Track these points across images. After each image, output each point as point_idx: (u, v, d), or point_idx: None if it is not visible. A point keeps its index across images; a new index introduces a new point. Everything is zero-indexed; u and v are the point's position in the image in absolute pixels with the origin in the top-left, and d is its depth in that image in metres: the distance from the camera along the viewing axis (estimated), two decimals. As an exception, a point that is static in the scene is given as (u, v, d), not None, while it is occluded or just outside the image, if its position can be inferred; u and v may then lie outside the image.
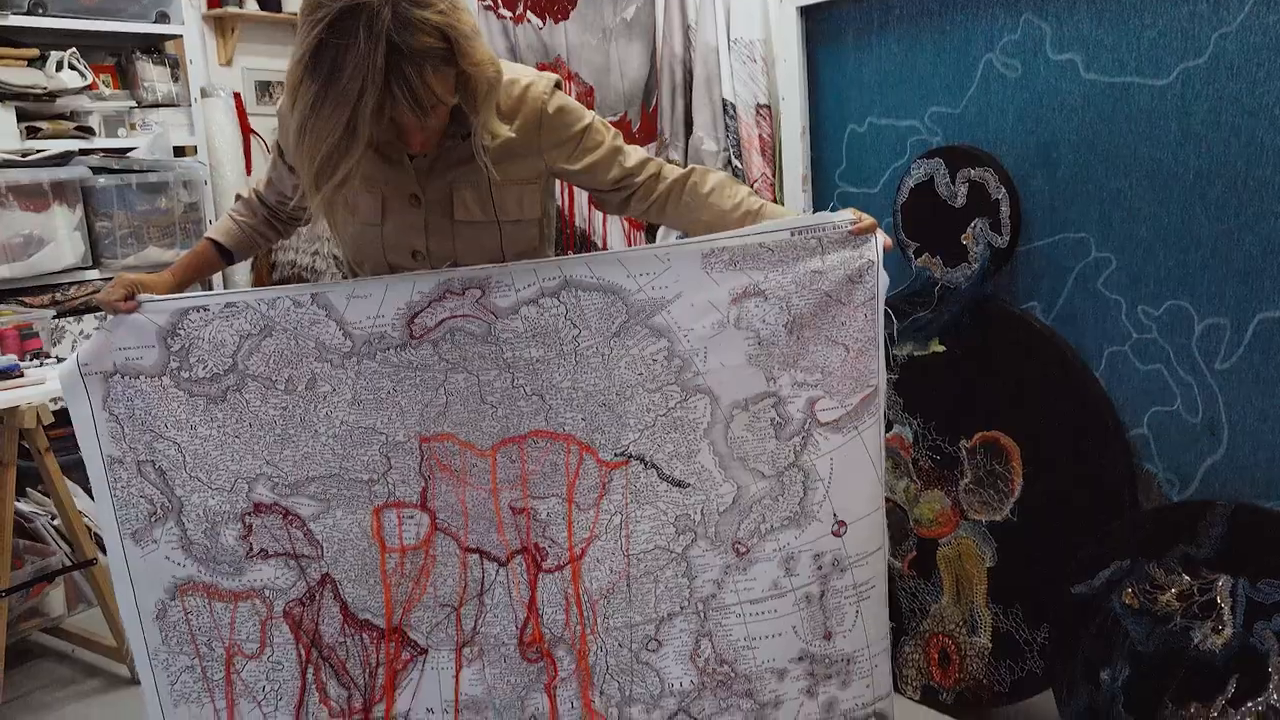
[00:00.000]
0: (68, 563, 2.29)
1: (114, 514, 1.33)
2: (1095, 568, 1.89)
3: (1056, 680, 2.02)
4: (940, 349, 2.08)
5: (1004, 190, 1.88)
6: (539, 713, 1.35)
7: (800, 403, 1.31)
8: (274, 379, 1.30)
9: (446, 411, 1.30)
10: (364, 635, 1.35)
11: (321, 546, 1.33)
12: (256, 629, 1.36)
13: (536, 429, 1.30)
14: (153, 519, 1.34)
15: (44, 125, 2.77)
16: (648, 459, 1.31)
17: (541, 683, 1.35)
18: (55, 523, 2.32)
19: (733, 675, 1.34)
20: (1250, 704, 1.61)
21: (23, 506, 2.48)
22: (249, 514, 1.33)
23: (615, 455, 1.31)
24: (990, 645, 2.06)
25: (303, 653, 1.36)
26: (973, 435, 2.04)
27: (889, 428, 2.03)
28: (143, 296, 1.30)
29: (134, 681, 2.24)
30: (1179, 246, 1.69)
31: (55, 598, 2.50)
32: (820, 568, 1.34)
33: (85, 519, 2.25)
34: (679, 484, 1.32)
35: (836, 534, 1.34)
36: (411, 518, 1.32)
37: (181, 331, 1.30)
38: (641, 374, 1.30)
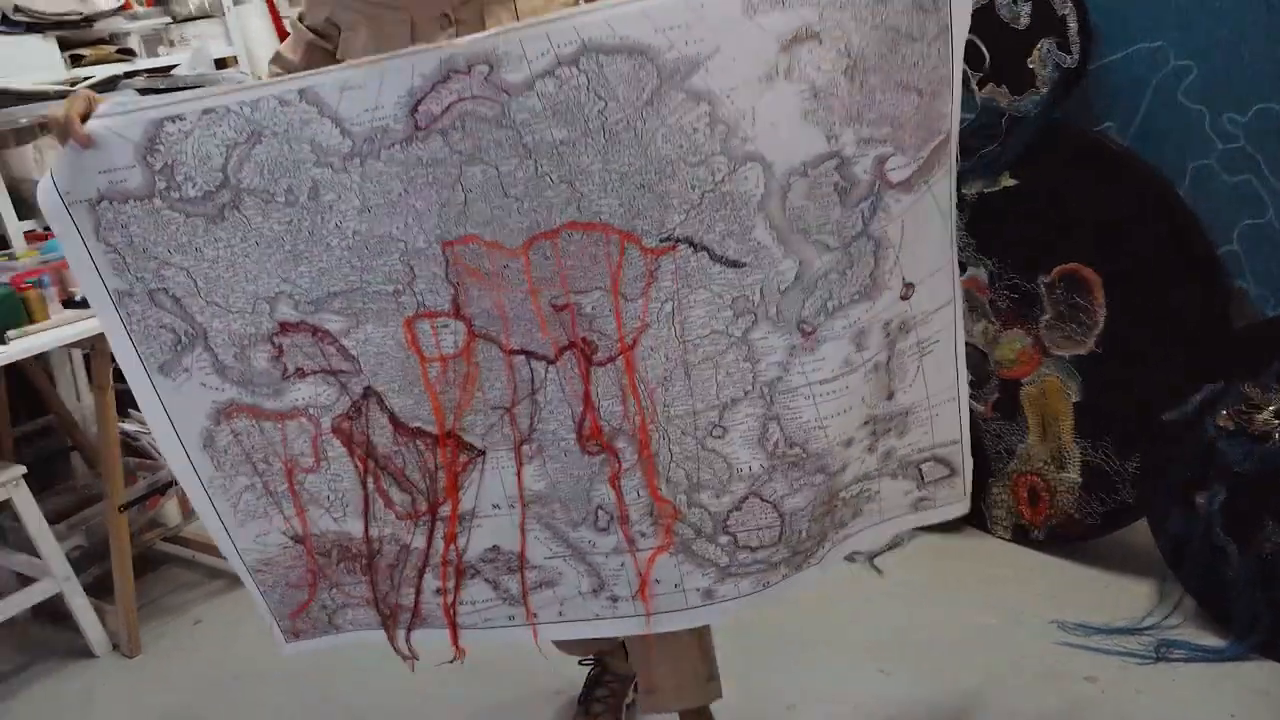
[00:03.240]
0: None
1: (134, 350, 1.27)
2: (1187, 392, 1.87)
3: (1150, 509, 2.03)
4: (1011, 183, 2.03)
5: (1070, 4, 1.78)
6: (605, 504, 1.31)
7: (867, 162, 1.16)
8: (272, 191, 1.18)
9: (467, 210, 1.17)
10: (418, 442, 1.31)
11: (358, 361, 1.25)
12: (309, 445, 1.31)
13: (570, 221, 1.16)
14: (179, 348, 1.27)
15: (86, 52, 2.80)
16: (697, 241, 1.17)
17: (605, 475, 1.29)
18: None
19: (804, 455, 1.28)
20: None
21: (126, 426, 2.62)
22: (276, 335, 1.25)
23: (661, 241, 1.17)
24: (1080, 480, 2.07)
25: (359, 465, 1.33)
26: (1051, 270, 2.00)
27: (963, 270, 2.00)
28: (101, 108, 1.18)
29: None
30: (1268, 43, 1.59)
31: (170, 509, 2.65)
32: (889, 335, 1.26)
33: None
34: (734, 264, 1.19)
35: (904, 297, 1.25)
36: (446, 326, 1.23)
37: (160, 146, 1.17)
38: (682, 146, 1.14)
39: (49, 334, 2.02)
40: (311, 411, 1.30)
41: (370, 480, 1.34)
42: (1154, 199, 1.83)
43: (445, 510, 1.34)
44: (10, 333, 1.97)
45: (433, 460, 1.32)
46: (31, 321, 2.02)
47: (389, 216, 1.18)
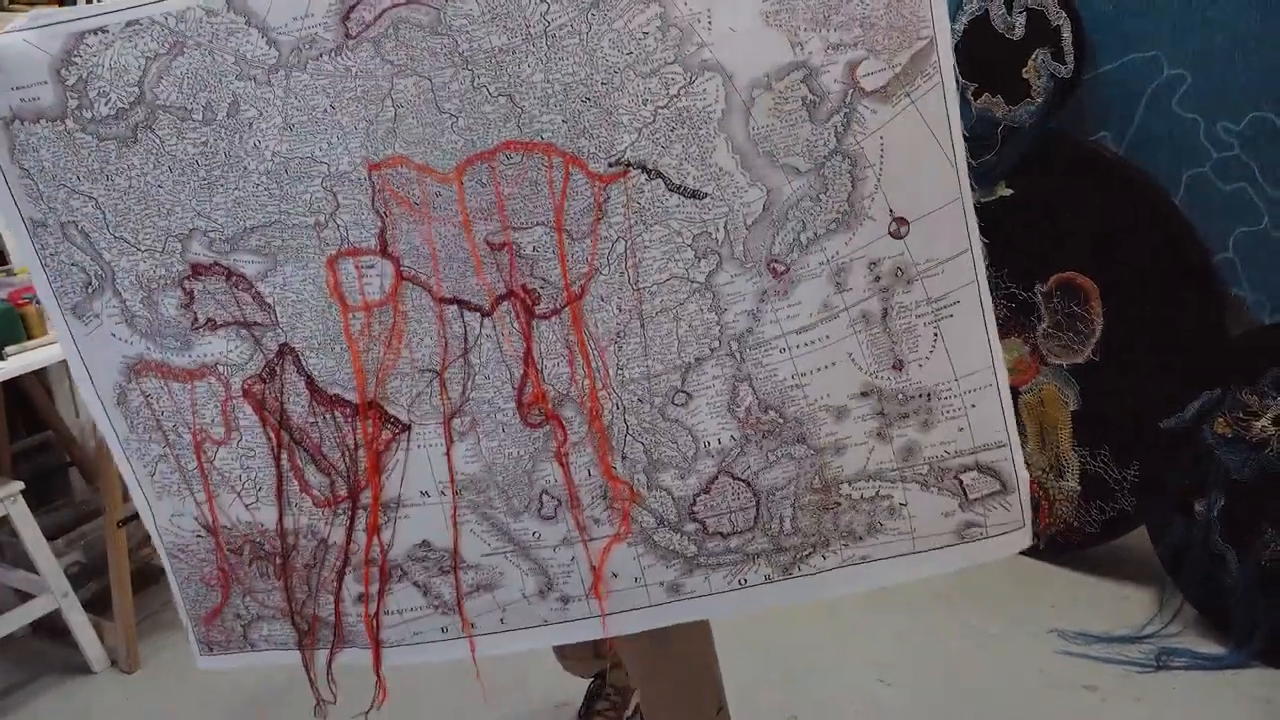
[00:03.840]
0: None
1: (49, 286, 1.18)
2: (1184, 400, 1.88)
3: (1149, 516, 2.03)
4: (1007, 193, 2.04)
5: (1064, 15, 1.80)
6: (551, 485, 1.16)
7: (837, 70, 1.04)
8: (189, 108, 1.09)
9: (396, 128, 1.07)
10: (337, 413, 1.18)
11: (274, 311, 1.14)
12: (218, 412, 1.20)
13: (508, 140, 1.06)
14: (89, 290, 1.17)
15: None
16: (650, 166, 1.06)
17: (550, 450, 1.14)
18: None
19: (780, 421, 1.11)
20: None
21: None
22: (187, 278, 1.15)
23: (610, 165, 1.06)
24: (1079, 488, 2.07)
25: (272, 436, 1.20)
26: (1048, 279, 2.01)
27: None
28: (18, 21, 1.11)
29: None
30: (1262, 51, 1.60)
31: (168, 524, 2.63)
32: (878, 278, 1.08)
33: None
34: (694, 194, 1.07)
35: (896, 234, 1.09)
36: (372, 267, 1.11)
37: (77, 59, 1.09)
38: (631, 53, 1.03)
39: (47, 350, 2.02)
40: (221, 370, 1.18)
41: (285, 456, 1.20)
42: (1149, 207, 1.85)
43: (367, 497, 1.18)
44: (8, 348, 1.97)
45: (352, 435, 1.17)
46: (30, 337, 2.02)
47: (312, 135, 1.08)
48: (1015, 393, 2.14)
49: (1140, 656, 1.89)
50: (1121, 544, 2.17)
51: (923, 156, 1.07)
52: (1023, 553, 2.35)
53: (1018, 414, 2.16)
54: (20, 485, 2.13)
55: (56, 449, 2.80)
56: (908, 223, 1.09)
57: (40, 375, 2.57)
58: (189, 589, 1.30)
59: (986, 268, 1.16)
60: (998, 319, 2.25)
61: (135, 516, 2.45)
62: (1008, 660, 1.92)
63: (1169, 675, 1.83)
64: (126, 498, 2.35)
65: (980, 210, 2.20)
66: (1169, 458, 1.89)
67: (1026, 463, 2.20)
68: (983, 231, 1.15)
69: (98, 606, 2.33)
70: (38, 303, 2.10)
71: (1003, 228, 2.01)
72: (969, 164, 1.08)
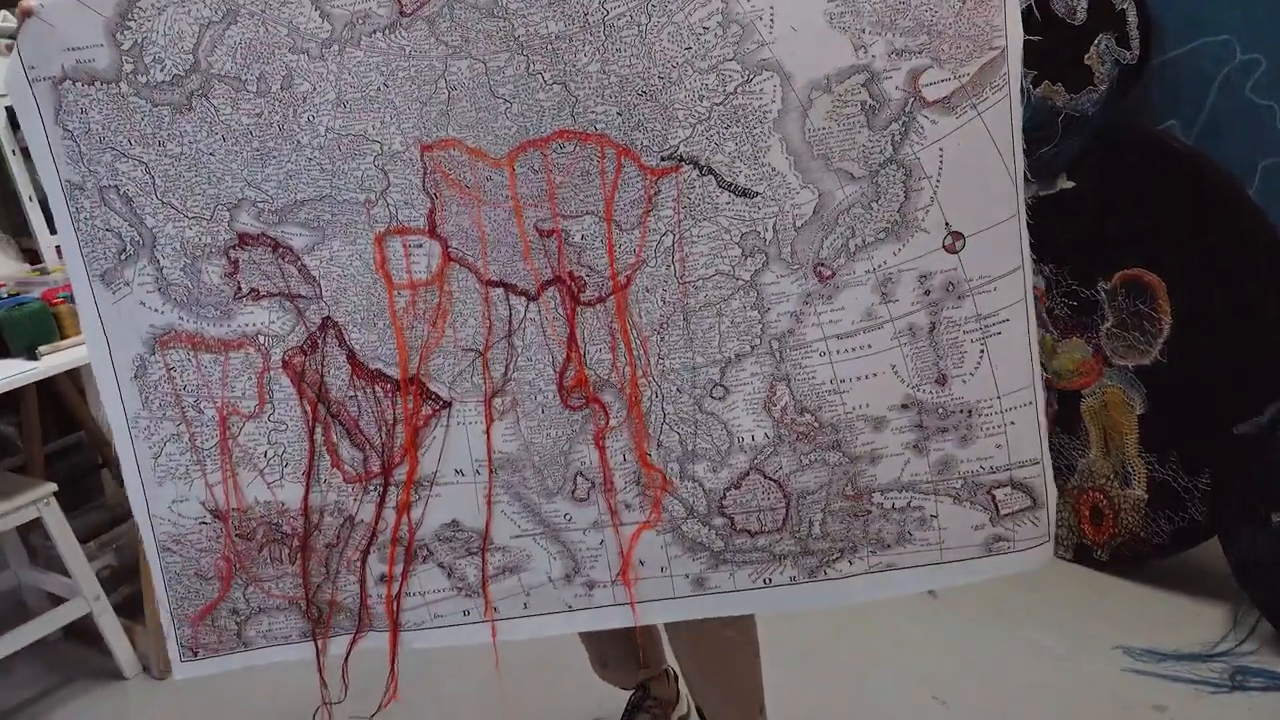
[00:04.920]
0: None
1: (79, 251, 1.21)
2: (1261, 403, 1.79)
3: (1221, 527, 1.95)
4: (1069, 185, 1.97)
5: (1130, -3, 1.73)
6: (586, 467, 1.21)
7: (900, 76, 1.07)
8: (244, 79, 1.13)
9: (450, 110, 1.11)
10: (377, 388, 1.22)
11: (319, 284, 1.19)
12: (253, 383, 1.24)
13: (561, 128, 1.10)
14: (123, 256, 1.21)
15: None
16: (703, 162, 1.10)
17: (588, 433, 1.20)
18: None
19: (816, 425, 1.17)
20: None
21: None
22: (234, 248, 1.19)
23: (662, 159, 1.11)
24: (1146, 496, 1.99)
25: (308, 409, 1.23)
26: (1112, 275, 1.94)
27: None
28: None
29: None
30: (1342, 31, 1.52)
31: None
32: (928, 292, 1.12)
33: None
34: (744, 193, 1.11)
35: (950, 248, 1.11)
36: (420, 247, 1.17)
37: (132, 24, 1.13)
38: (689, 48, 1.07)
39: (81, 349, 2.02)
40: (261, 341, 1.22)
41: (319, 430, 1.24)
42: (1221, 199, 1.77)
43: (401, 473, 1.24)
44: (42, 348, 2.00)
45: (392, 410, 1.22)
46: (63, 337, 2.03)
47: (365, 112, 1.13)
48: (1077, 396, 2.06)
49: (1213, 676, 1.82)
50: (1192, 556, 2.09)
51: (983, 171, 1.09)
52: (1086, 564, 2.26)
53: (1080, 418, 2.08)
54: (53, 487, 2.17)
55: (89, 450, 2.80)
56: (963, 237, 1.12)
57: (73, 375, 2.58)
58: (178, 585, 1.32)
59: (1047, 265, 1.13)
60: (1060, 318, 2.18)
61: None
62: (1071, 678, 1.86)
63: (1244, 696, 1.76)
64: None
65: (1040, 203, 2.14)
66: (1243, 464, 1.81)
67: (1090, 469, 2.13)
68: (1043, 227, 1.19)
69: (129, 611, 2.34)
70: (71, 301, 2.09)
71: (1064, 222, 1.94)
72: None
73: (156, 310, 1.23)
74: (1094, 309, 2.07)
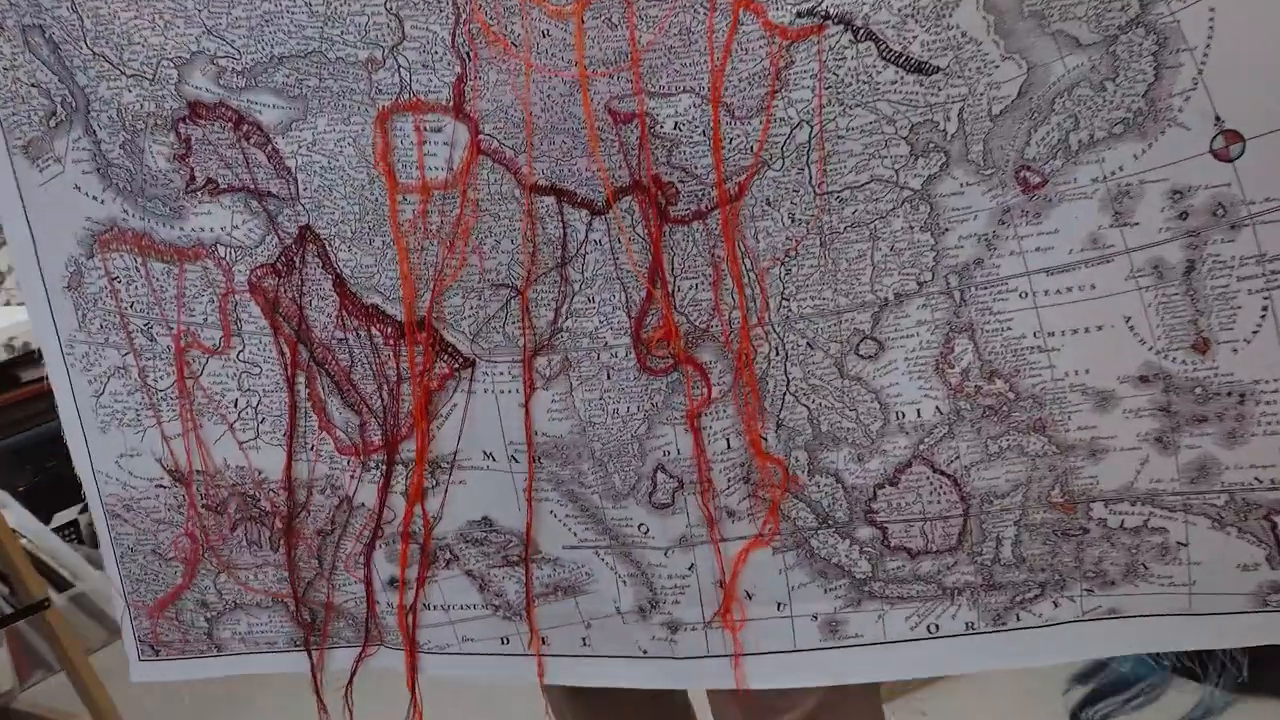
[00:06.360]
0: (7, 609, 2.03)
1: None
2: None
3: None
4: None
5: None
6: (671, 457, 0.93)
7: None
8: None
9: None
10: (373, 330, 0.95)
11: (295, 179, 0.93)
12: (214, 309, 0.99)
13: None
14: (52, 123, 0.97)
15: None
16: (859, 22, 0.81)
17: (676, 409, 0.92)
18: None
19: (1012, 397, 0.88)
20: None
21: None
22: (184, 120, 0.93)
23: (798, 16, 0.82)
24: None
25: (286, 349, 0.97)
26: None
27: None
28: None
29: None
30: None
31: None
32: (1184, 215, 0.82)
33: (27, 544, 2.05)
34: (919, 67, 0.81)
35: (1222, 155, 0.80)
36: (439, 130, 0.88)
37: None
38: None
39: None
40: (222, 254, 0.98)
41: (302, 380, 1.00)
42: None
43: (408, 450, 0.99)
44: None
45: (395, 364, 0.96)
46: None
47: None
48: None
49: None
50: None
51: (1274, 43, 0.79)
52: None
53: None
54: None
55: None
56: (1242, 139, 0.80)
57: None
58: (132, 564, 1.11)
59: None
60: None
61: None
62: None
63: None
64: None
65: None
66: None
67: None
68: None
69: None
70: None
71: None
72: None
73: (95, 198, 1.00)
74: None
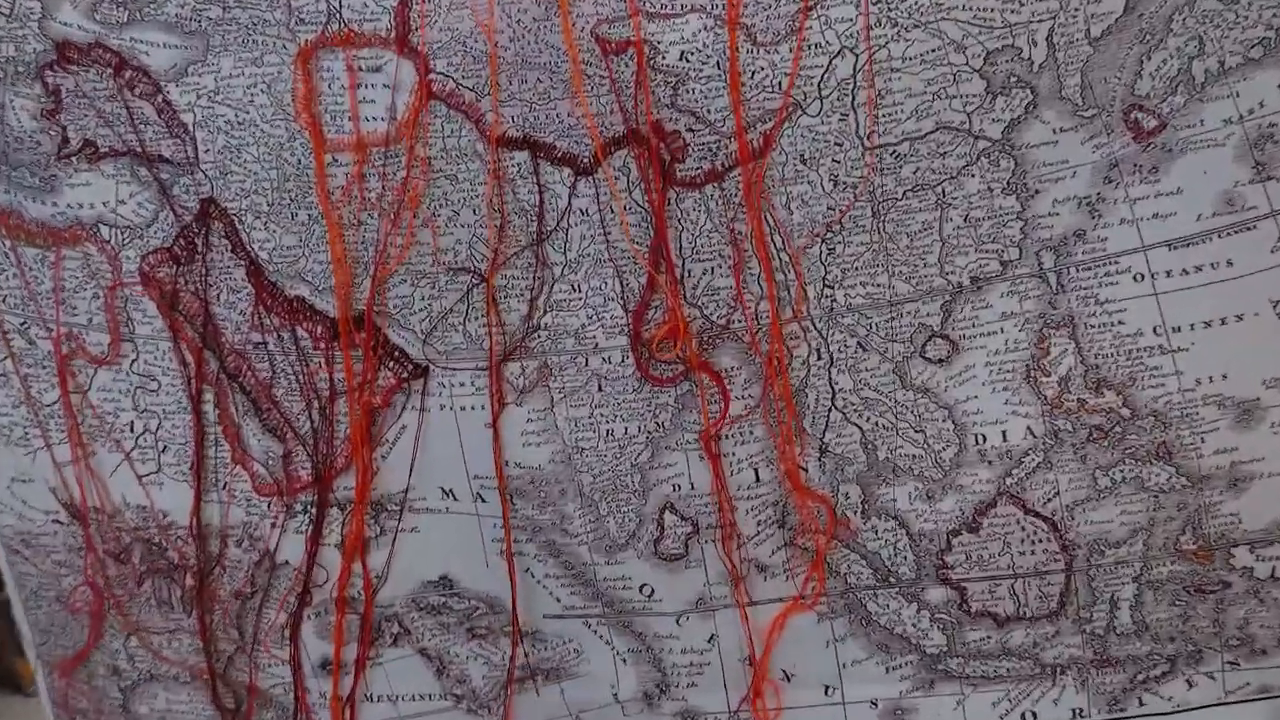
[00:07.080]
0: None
1: None
2: None
3: None
4: None
5: None
6: (682, 493, 0.81)
7: None
8: None
9: None
10: (298, 330, 0.83)
11: (194, 139, 0.81)
12: (99, 307, 0.86)
13: None
14: None
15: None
16: None
17: (687, 429, 0.81)
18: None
19: (1126, 413, 0.76)
20: None
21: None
22: (51, 65, 0.80)
23: None
24: None
25: (188, 357, 0.85)
26: None
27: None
28: None
29: None
30: None
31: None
32: None
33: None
34: None
35: None
36: (378, 70, 0.76)
37: None
38: None
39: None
40: (105, 235, 0.85)
41: (210, 398, 0.86)
42: None
43: (347, 486, 0.86)
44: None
45: (327, 373, 0.84)
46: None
47: None
48: None
49: None
50: None
51: None
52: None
53: None
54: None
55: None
56: None
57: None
58: (38, 610, 0.97)
59: None
60: None
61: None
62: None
63: None
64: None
65: None
66: None
67: None
68: None
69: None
70: None
71: None
72: None
73: None
74: None
